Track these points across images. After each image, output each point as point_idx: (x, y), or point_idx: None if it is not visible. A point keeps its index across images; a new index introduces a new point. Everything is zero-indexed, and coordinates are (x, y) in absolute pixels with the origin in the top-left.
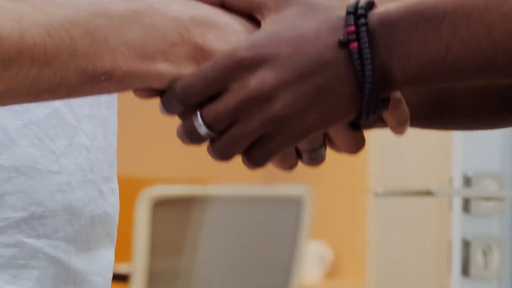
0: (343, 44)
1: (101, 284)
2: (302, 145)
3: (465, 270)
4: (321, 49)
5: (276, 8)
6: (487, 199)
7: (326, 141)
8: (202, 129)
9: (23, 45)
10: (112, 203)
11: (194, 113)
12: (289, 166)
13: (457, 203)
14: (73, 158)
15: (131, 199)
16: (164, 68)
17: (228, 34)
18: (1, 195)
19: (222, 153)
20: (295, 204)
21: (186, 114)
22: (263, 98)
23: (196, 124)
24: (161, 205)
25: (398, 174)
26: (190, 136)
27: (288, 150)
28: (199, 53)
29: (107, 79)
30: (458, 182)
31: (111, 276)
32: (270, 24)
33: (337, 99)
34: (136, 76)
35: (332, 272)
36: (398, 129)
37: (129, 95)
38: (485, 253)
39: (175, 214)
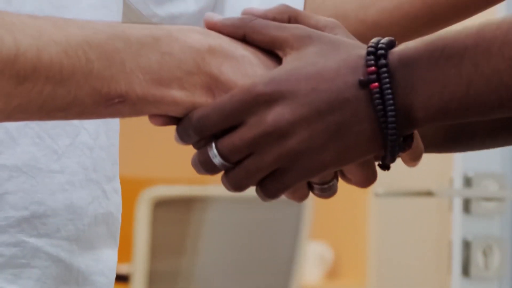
0: (364, 84)
1: (105, 284)
2: (314, 178)
3: (466, 270)
4: (340, 88)
5: (297, 46)
6: (488, 199)
7: (338, 173)
8: (217, 160)
9: (39, 62)
10: (115, 203)
11: (209, 143)
12: (300, 197)
13: (458, 204)
14: (76, 157)
15: (132, 199)
16: (179, 95)
17: (244, 66)
18: (2, 194)
19: (235, 184)
20: (295, 204)
21: (201, 144)
22: (279, 133)
23: (211, 154)
24: (161, 205)
25: (398, 175)
26: (205, 166)
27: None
28: (215, 83)
29: (121, 102)
30: (458, 183)
31: (114, 276)
32: (291, 61)
33: (355, 138)
34: (150, 101)
35: (333, 272)
36: (411, 163)
37: None
38: (485, 254)
39: (176, 215)
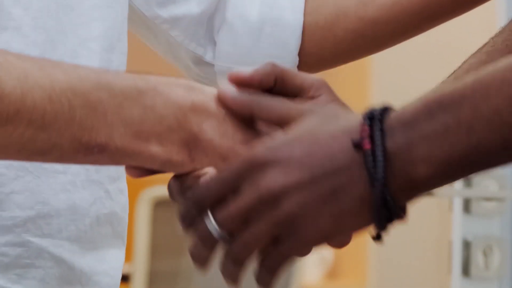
0: (357, 145)
1: (110, 284)
2: (310, 250)
3: (466, 270)
4: (335, 152)
5: (300, 118)
6: (488, 199)
7: None
8: (215, 231)
9: (23, 106)
10: (120, 203)
11: (207, 215)
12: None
13: (458, 203)
14: None
15: (132, 199)
16: (156, 151)
17: (225, 126)
18: (8, 194)
19: (235, 258)
20: None
21: (200, 217)
22: (273, 198)
23: (209, 226)
24: (161, 205)
25: None
26: (204, 240)
27: None
28: (193, 141)
29: (99, 152)
30: (458, 182)
31: (120, 276)
32: (290, 131)
33: (351, 203)
34: (128, 154)
35: (333, 272)
36: None
37: None
38: (485, 254)
39: (176, 215)
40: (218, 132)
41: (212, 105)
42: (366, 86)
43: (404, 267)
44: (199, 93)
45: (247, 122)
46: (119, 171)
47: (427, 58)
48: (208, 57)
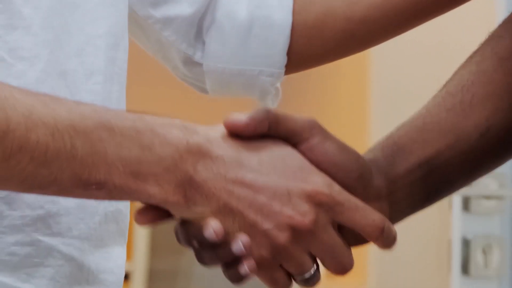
0: None
1: (114, 282)
2: (293, 271)
3: (465, 269)
4: None
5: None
6: (488, 198)
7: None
8: None
9: (26, 142)
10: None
11: None
12: (282, 286)
13: (457, 202)
14: None
15: None
16: (153, 191)
17: (217, 166)
18: (19, 193)
19: None
20: None
21: None
22: None
23: None
24: None
25: None
26: None
27: (278, 275)
28: (188, 181)
29: (98, 189)
30: None
31: (123, 273)
32: None
33: None
34: (126, 192)
35: None
36: (385, 249)
37: (133, 95)
38: (485, 252)
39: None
40: (211, 172)
41: (206, 145)
42: (365, 85)
43: (404, 266)
44: (193, 133)
45: (242, 160)
46: None
47: (427, 57)
48: (197, 57)
